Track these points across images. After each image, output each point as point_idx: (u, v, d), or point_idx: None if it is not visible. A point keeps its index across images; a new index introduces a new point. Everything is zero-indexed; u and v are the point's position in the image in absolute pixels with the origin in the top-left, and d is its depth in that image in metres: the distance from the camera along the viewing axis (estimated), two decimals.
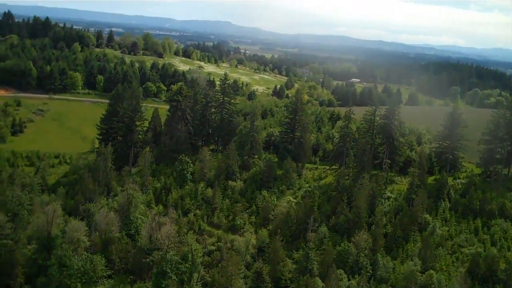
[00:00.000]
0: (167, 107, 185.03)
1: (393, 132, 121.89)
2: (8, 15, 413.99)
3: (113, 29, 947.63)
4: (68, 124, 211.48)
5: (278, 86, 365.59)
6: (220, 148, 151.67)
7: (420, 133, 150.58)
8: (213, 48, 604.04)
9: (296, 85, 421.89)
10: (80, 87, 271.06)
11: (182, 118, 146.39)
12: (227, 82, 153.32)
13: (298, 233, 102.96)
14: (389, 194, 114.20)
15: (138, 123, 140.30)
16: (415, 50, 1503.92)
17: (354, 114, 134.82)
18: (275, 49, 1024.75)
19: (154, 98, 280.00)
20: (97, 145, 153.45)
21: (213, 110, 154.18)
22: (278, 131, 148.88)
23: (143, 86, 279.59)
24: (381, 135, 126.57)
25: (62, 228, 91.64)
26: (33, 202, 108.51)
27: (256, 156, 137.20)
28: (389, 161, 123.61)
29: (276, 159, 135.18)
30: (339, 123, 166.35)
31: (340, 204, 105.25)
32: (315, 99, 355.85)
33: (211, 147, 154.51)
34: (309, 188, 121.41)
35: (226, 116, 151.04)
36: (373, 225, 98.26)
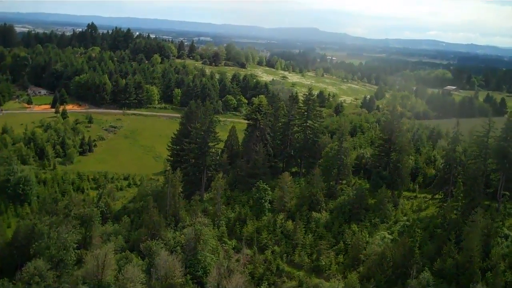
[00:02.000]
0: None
1: (511, 156, 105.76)
2: (91, 27, 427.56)
3: (201, 38, 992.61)
4: (141, 142, 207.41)
5: (368, 97, 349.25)
6: (303, 171, 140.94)
7: None
8: (299, 56, 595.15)
9: (387, 95, 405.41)
10: (156, 102, 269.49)
11: (260, 138, 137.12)
12: (311, 97, 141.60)
13: (395, 278, 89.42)
14: (507, 231, 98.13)
15: (211, 144, 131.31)
16: (510, 53, 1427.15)
17: (462, 135, 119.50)
18: (362, 54, 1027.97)
19: (234, 112, 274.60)
20: (168, 167, 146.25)
21: (295, 128, 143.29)
22: (370, 153, 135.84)
23: (223, 99, 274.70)
24: (495, 160, 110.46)
25: (116, 274, 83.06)
26: (92, 235, 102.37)
27: (344, 182, 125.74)
28: (507, 193, 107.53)
29: (367, 186, 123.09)
30: (441, 142, 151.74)
31: (447, 244, 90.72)
32: (408, 111, 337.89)
33: (292, 170, 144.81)
34: (407, 222, 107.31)
35: (311, 136, 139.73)
36: (489, 271, 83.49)
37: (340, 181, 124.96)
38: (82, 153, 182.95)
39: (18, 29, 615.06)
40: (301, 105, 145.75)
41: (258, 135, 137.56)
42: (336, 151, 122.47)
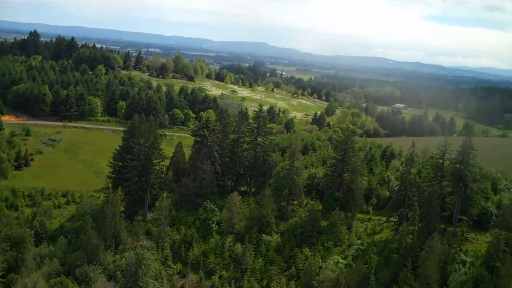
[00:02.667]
0: None
1: (466, 179, 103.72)
2: (33, 34, 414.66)
3: (150, 49, 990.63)
4: (82, 156, 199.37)
5: (319, 113, 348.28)
6: (253, 191, 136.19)
7: (494, 177, 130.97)
8: (249, 70, 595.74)
9: (337, 112, 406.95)
10: (99, 114, 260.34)
11: (208, 156, 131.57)
12: (262, 114, 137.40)
13: None
14: (463, 257, 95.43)
15: (156, 161, 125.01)
16: (453, 73, 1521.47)
17: (418, 157, 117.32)
18: (312, 70, 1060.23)
19: (181, 127, 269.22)
20: (109, 184, 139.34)
21: (245, 146, 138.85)
22: (323, 173, 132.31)
23: (170, 113, 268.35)
24: (451, 182, 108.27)
25: None
26: (25, 257, 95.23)
27: (296, 203, 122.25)
28: (464, 217, 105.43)
29: (320, 207, 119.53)
30: (395, 162, 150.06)
31: (403, 270, 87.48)
32: (359, 128, 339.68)
33: (242, 189, 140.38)
34: (362, 246, 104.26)
35: (261, 153, 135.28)
36: None
37: (292, 202, 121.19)
38: (17, 167, 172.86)
39: None
40: (251, 121, 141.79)
41: (205, 152, 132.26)
42: (287, 171, 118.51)
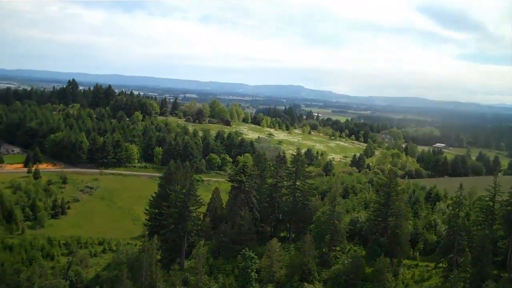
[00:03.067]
0: None
1: None
2: (71, 83, 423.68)
3: (187, 95, 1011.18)
4: (119, 203, 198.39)
5: (358, 155, 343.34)
6: (293, 236, 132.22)
7: None
8: (285, 113, 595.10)
9: (376, 153, 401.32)
10: (136, 160, 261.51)
11: (246, 202, 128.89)
12: (300, 158, 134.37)
13: None
14: None
15: (192, 208, 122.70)
16: (492, 110, 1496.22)
17: (466, 199, 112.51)
18: (347, 111, 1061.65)
19: (218, 171, 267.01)
20: (146, 232, 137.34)
21: (283, 191, 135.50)
22: (365, 217, 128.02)
23: (206, 157, 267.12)
24: (503, 226, 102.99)
25: None
26: None
27: (338, 249, 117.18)
28: None
29: (363, 253, 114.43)
30: (440, 205, 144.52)
31: None
32: (399, 169, 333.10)
33: (281, 235, 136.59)
34: None
35: (300, 198, 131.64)
36: None
37: (334, 248, 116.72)
38: (54, 216, 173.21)
39: (2, 85, 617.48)
40: (289, 165, 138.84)
41: (243, 198, 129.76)
42: (328, 216, 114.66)
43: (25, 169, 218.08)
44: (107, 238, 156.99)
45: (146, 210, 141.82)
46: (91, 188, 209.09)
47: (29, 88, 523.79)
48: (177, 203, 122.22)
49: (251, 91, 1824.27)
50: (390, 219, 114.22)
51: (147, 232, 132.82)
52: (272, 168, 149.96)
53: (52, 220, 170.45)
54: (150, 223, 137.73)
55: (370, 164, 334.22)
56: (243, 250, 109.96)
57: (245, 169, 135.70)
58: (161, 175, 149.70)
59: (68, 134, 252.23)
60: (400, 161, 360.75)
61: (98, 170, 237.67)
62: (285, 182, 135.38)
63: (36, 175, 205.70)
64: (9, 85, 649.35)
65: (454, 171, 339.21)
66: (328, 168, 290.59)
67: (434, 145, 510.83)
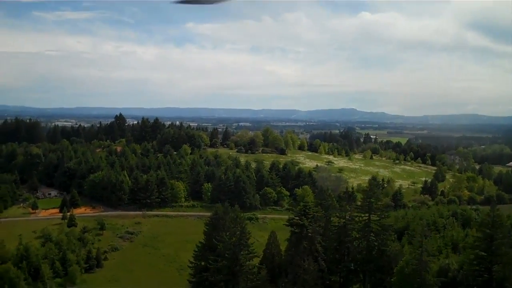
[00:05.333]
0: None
1: None
2: (119, 118, 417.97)
3: (241, 123, 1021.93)
4: (163, 250, 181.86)
5: (428, 180, 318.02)
6: None
7: None
8: (341, 137, 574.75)
9: (447, 177, 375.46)
10: (182, 199, 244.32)
11: (309, 250, 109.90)
12: (374, 191, 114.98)
13: None
14: None
15: (244, 260, 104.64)
16: None
17: None
18: (403, 132, 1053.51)
19: (274, 207, 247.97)
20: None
21: (354, 234, 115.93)
22: (457, 263, 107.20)
23: (261, 192, 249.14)
24: None
25: None
26: None
27: None
28: None
29: None
30: None
31: None
32: (476, 193, 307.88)
33: (355, 287, 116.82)
34: None
35: (376, 243, 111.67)
36: None
37: None
38: (88, 269, 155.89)
39: (61, 123, 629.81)
40: (360, 201, 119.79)
41: (306, 246, 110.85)
42: (414, 266, 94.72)
43: (60, 215, 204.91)
44: None
45: (191, 262, 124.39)
46: (132, 234, 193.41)
47: (72, 125, 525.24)
48: (226, 255, 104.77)
49: (304, 116, 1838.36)
50: (495, 268, 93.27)
51: None
52: (337, 205, 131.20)
53: (86, 275, 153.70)
54: (194, 279, 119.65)
55: (444, 190, 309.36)
56: None
57: (306, 210, 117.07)
58: (206, 221, 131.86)
59: (108, 173, 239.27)
60: (477, 185, 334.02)
61: (140, 212, 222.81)
62: (356, 224, 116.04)
63: (71, 221, 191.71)
64: (67, 123, 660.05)
65: None
66: (397, 198, 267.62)
67: (507, 164, 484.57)
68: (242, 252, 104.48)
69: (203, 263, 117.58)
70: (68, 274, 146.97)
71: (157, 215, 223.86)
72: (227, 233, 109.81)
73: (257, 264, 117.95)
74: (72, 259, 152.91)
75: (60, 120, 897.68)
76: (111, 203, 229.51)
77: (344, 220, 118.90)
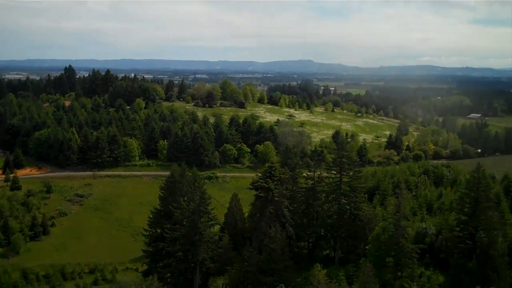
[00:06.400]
0: (252, 175, 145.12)
1: None
2: (68, 70, 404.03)
3: (197, 75, 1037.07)
4: (115, 214, 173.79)
5: (393, 135, 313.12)
6: (340, 256, 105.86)
7: None
8: (300, 89, 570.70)
9: (410, 130, 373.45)
10: (137, 158, 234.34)
11: (276, 215, 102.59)
12: (344, 149, 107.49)
13: None
14: None
15: (204, 229, 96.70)
16: (506, 74, 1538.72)
17: None
18: (361, 83, 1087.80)
19: (234, 165, 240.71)
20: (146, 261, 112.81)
21: (324, 196, 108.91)
22: (434, 226, 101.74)
23: (220, 149, 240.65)
24: None
25: None
26: None
27: (405, 275, 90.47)
28: None
29: (441, 279, 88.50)
30: None
31: None
32: (441, 147, 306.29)
33: (324, 253, 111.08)
34: None
35: (347, 207, 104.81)
36: None
37: (400, 275, 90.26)
38: (33, 237, 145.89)
39: (11, 76, 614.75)
40: (330, 159, 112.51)
41: (272, 211, 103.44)
42: (392, 232, 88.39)
43: (3, 177, 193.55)
44: (100, 264, 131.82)
45: (145, 230, 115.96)
46: (81, 197, 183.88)
47: (20, 78, 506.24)
48: (184, 223, 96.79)
49: (261, 68, 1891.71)
50: (479, 235, 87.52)
51: (147, 264, 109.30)
52: (301, 162, 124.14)
53: (31, 244, 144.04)
54: (150, 249, 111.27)
55: (409, 144, 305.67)
56: (276, 283, 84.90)
57: (272, 172, 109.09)
58: (161, 185, 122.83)
59: (54, 131, 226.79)
60: (441, 138, 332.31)
61: (91, 173, 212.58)
62: (325, 185, 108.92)
63: (14, 184, 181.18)
64: (17, 76, 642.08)
65: (508, 148, 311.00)
66: (362, 153, 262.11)
67: (468, 116, 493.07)
68: (201, 220, 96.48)
69: (159, 231, 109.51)
70: (11, 244, 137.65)
71: (109, 176, 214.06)
72: (185, 198, 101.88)
73: (218, 232, 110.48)
74: (15, 226, 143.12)
75: (11, 73, 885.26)
76: (59, 163, 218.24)
77: (312, 182, 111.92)
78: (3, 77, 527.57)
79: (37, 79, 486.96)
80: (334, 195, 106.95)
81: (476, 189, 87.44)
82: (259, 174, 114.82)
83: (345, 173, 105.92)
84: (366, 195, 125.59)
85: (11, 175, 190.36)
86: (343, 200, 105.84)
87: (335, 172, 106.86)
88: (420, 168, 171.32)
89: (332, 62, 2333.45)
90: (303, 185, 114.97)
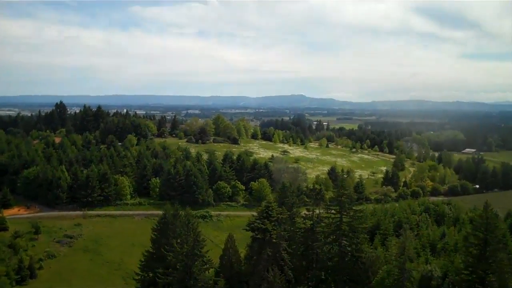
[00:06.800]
0: (247, 213, 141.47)
1: None
2: (59, 106, 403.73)
3: (189, 111, 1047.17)
4: (106, 256, 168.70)
5: (390, 171, 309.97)
6: None
7: None
8: (293, 124, 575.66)
9: (407, 165, 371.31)
10: (128, 197, 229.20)
11: (274, 258, 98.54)
12: (344, 187, 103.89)
13: None
14: None
15: (198, 273, 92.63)
16: (497, 108, 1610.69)
17: None
18: (352, 118, 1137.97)
19: (229, 203, 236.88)
20: None
21: (323, 237, 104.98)
22: (440, 269, 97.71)
23: (214, 187, 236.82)
24: None
25: None
26: None
27: None
28: None
29: None
30: None
31: None
32: (438, 183, 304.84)
33: None
34: None
35: (349, 248, 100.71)
36: None
37: None
38: (20, 281, 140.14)
39: (3, 113, 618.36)
40: (328, 198, 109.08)
41: (269, 254, 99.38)
42: (397, 275, 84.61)
43: None
44: None
45: (137, 274, 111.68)
46: (71, 238, 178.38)
47: (10, 115, 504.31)
48: (178, 267, 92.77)
49: (253, 103, 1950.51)
50: (489, 278, 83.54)
51: None
52: (297, 200, 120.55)
53: None
54: None
55: (406, 180, 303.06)
56: None
57: (269, 212, 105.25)
58: (153, 226, 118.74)
59: (43, 169, 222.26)
60: (438, 174, 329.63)
61: (81, 212, 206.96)
62: (325, 227, 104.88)
63: (1, 225, 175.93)
64: (10, 112, 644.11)
65: (506, 183, 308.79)
66: (359, 190, 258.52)
67: (463, 151, 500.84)
68: (196, 263, 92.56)
69: (151, 275, 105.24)
70: None
71: (99, 215, 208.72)
72: (178, 240, 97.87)
73: (213, 276, 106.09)
74: (1, 270, 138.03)
75: (3, 109, 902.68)
76: (48, 202, 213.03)
77: (311, 222, 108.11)
78: None
79: (28, 115, 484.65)
80: (334, 236, 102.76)
81: (485, 230, 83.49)
82: (256, 214, 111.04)
83: (345, 213, 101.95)
84: (367, 236, 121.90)
85: None
86: (344, 241, 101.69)
87: (334, 212, 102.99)
88: (421, 206, 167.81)
89: (324, 97, 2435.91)
90: (302, 225, 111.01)
